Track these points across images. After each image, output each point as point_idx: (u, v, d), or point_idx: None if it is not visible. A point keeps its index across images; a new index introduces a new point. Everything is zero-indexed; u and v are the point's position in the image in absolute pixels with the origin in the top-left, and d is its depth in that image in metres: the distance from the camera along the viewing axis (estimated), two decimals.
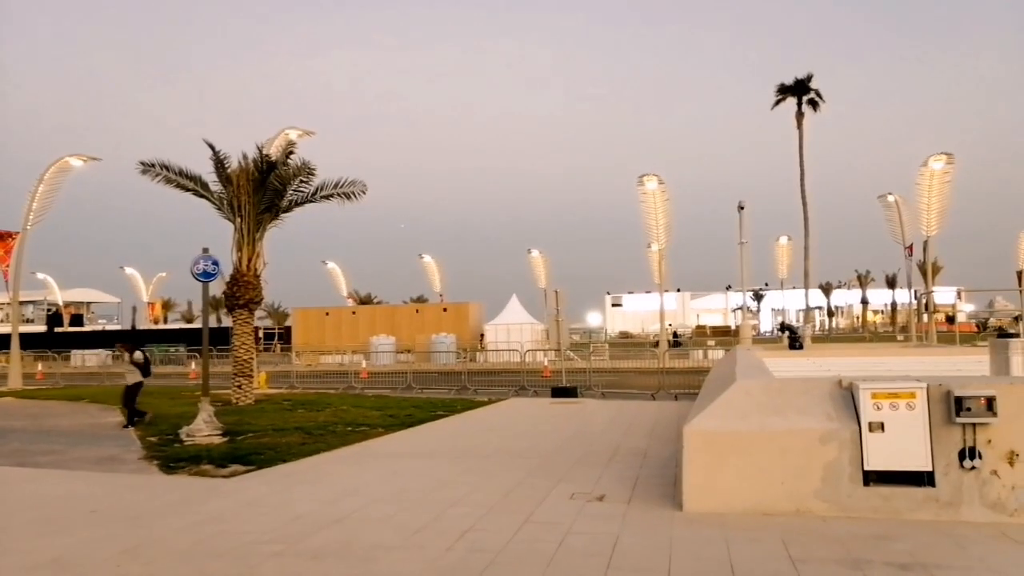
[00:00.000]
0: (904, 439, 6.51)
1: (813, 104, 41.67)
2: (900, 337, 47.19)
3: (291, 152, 21.24)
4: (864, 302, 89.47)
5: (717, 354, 41.15)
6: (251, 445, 11.82)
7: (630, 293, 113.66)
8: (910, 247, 42.14)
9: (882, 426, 6.55)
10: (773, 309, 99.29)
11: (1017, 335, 8.58)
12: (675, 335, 58.79)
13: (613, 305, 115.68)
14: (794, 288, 79.52)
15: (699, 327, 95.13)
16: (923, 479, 6.50)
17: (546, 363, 30.78)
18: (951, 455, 6.47)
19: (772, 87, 42.24)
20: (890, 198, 43.89)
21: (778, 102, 42.42)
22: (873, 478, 6.58)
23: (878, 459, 6.55)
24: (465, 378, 24.58)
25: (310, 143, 28.81)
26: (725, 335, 72.63)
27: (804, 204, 42.48)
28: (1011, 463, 6.35)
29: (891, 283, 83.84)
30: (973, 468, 6.39)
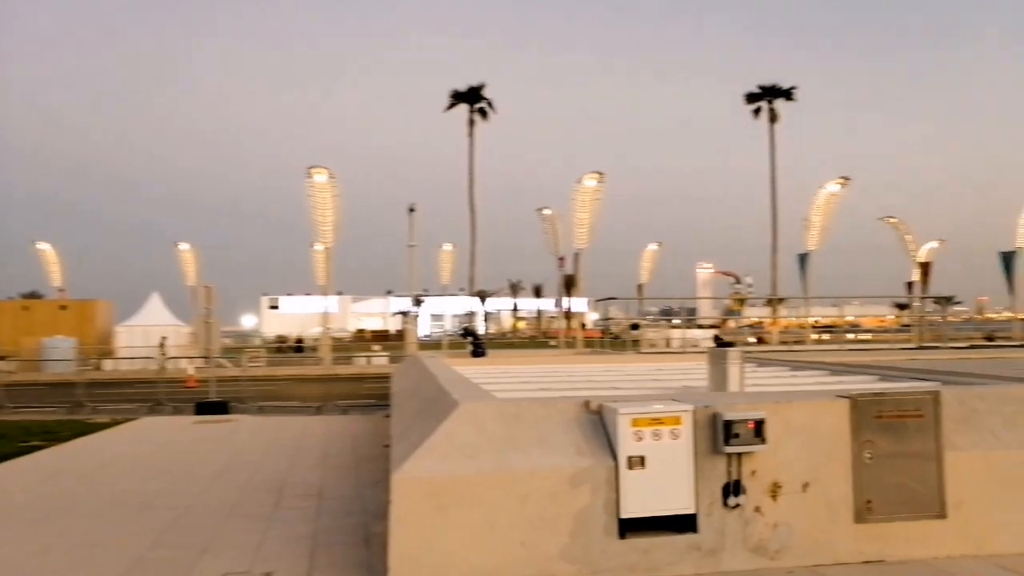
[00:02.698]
0: (667, 475, 5.21)
1: (483, 113, 42.56)
2: (552, 343, 50.42)
3: None
4: (515, 309, 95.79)
5: (381, 361, 39.92)
6: None
7: (289, 295, 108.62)
8: (563, 258, 45.16)
9: (643, 460, 5.18)
10: (432, 315, 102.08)
11: (732, 344, 8.00)
12: (298, 341, 56.64)
13: (270, 307, 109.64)
14: (451, 295, 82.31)
15: (359, 331, 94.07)
16: (686, 524, 5.26)
17: (191, 371, 26.61)
18: (715, 492, 5.32)
19: (447, 91, 42.34)
20: (547, 212, 46.69)
21: (451, 106, 42.59)
22: (631, 527, 5.18)
23: (637, 503, 5.16)
24: (81, 392, 19.74)
25: None
26: (385, 340, 72.37)
27: (472, 211, 43.21)
28: (774, 496, 5.38)
29: (538, 292, 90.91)
30: (737, 506, 5.31)
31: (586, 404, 5.63)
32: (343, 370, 36.31)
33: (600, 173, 37.44)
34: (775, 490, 5.37)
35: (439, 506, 5.00)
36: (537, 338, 79.89)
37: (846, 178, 42.56)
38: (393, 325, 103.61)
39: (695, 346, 19.12)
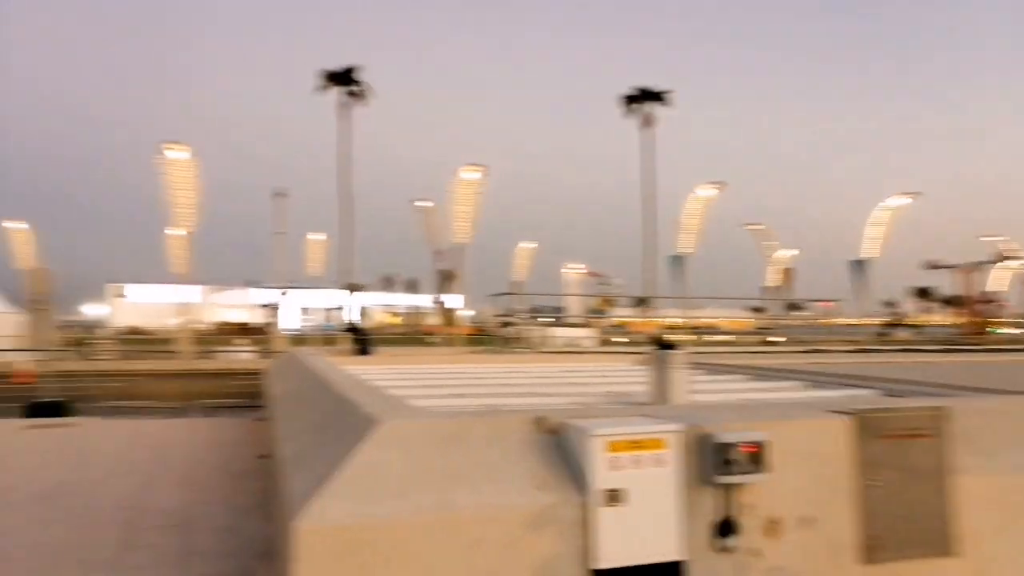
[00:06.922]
0: (650, 513, 4.14)
1: (357, 96, 40.42)
2: (436, 340, 49.03)
3: None
4: (388, 305, 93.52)
5: (246, 356, 37.16)
6: None
7: (139, 283, 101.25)
8: (441, 252, 43.88)
9: (621, 495, 4.09)
10: (301, 308, 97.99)
11: (675, 346, 7.08)
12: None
13: (116, 296, 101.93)
14: (319, 288, 79.34)
15: (223, 323, 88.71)
16: (670, 573, 4.20)
17: (23, 365, 23.31)
18: (704, 532, 4.30)
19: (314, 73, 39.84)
20: (423, 204, 45.26)
21: (323, 88, 40.23)
22: None
23: (615, 549, 4.06)
24: None
25: None
26: (250, 333, 68.42)
27: (347, 199, 41.13)
28: (772, 535, 4.42)
29: (412, 287, 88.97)
30: (731, 549, 4.31)
31: (540, 421, 4.47)
32: (205, 365, 33.47)
33: (482, 166, 36.48)
34: (772, 528, 4.42)
35: (361, 565, 3.70)
36: (412, 335, 78.15)
37: (720, 183, 43.61)
38: (257, 318, 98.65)
39: (577, 345, 18.78)
